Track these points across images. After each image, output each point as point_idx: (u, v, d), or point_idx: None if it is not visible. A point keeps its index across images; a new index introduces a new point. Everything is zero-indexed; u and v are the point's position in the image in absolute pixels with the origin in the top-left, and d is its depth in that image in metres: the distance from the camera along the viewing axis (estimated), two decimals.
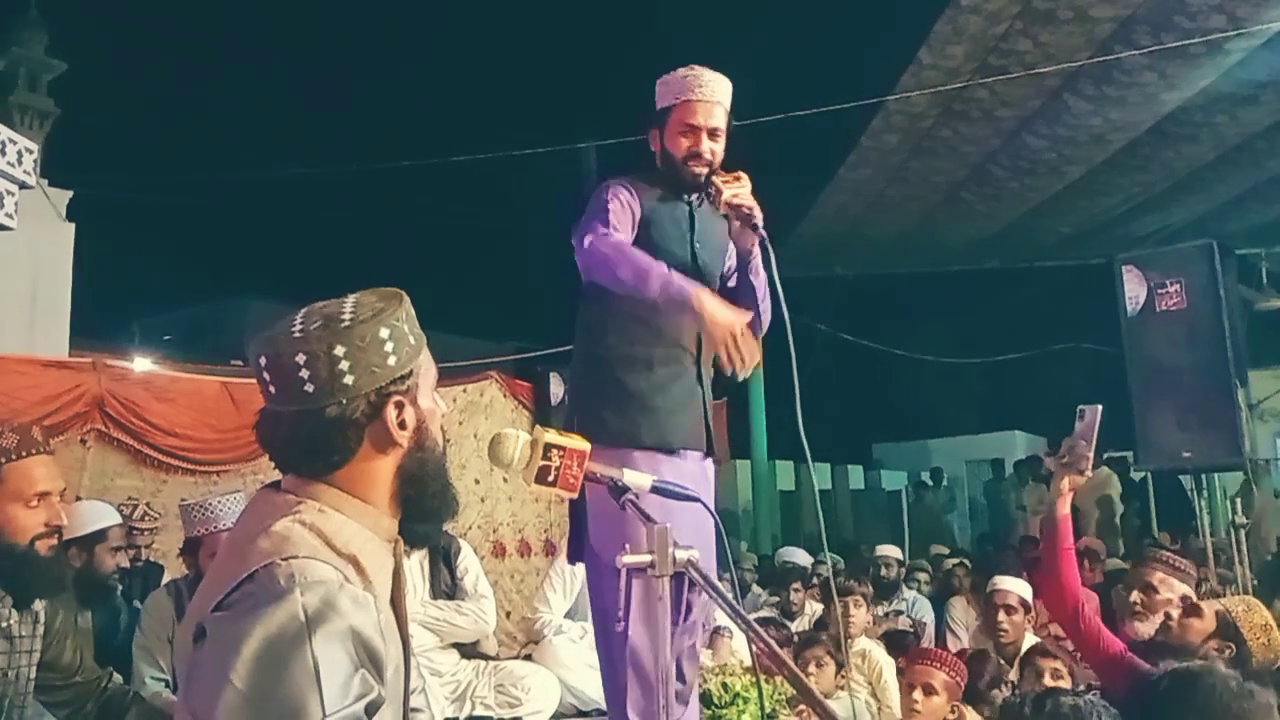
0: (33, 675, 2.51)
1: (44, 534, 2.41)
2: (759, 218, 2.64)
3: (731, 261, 2.88)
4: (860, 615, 4.58)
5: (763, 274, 2.78)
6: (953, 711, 3.31)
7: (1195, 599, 3.36)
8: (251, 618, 1.27)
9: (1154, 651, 2.78)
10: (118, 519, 4.05)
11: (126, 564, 4.08)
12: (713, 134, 2.75)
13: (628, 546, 1.63)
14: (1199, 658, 2.70)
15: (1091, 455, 3.20)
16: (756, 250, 2.76)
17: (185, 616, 1.44)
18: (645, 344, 2.70)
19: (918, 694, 3.30)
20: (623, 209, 2.69)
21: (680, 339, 2.68)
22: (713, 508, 1.93)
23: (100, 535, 3.85)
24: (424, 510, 1.53)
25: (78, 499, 4.84)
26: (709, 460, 2.78)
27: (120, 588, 4.06)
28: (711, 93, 2.76)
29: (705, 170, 2.72)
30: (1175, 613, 2.87)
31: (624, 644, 2.59)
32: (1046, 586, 3.44)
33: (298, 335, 1.43)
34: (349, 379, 1.42)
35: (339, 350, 1.41)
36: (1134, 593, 3.43)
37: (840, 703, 3.97)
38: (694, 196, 2.77)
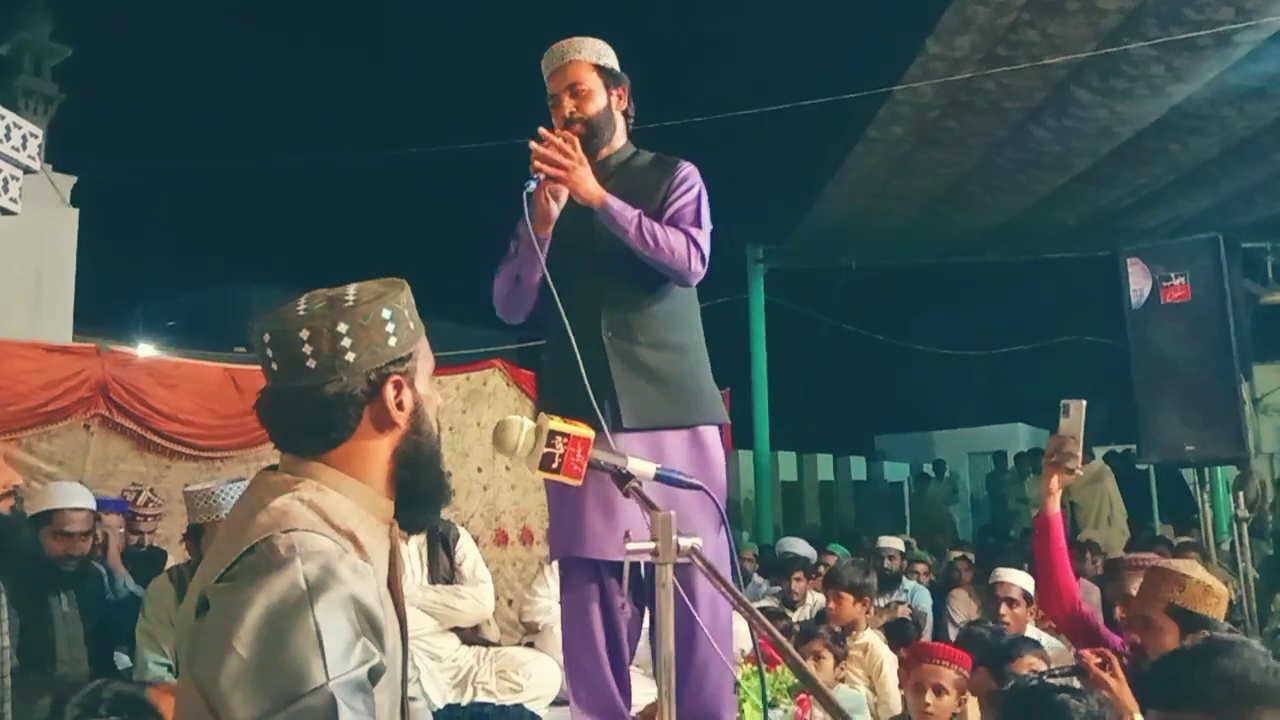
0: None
1: (3, 495, 2.39)
2: (543, 171, 2.56)
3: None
4: (846, 609, 4.56)
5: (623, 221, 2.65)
6: (959, 705, 3.29)
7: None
8: (253, 587, 1.29)
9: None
10: (77, 503, 3.83)
11: (84, 551, 3.81)
12: (573, 91, 2.72)
13: (630, 533, 1.63)
14: None
15: (1080, 452, 3.16)
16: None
17: (187, 593, 1.45)
18: (553, 339, 2.69)
19: (929, 695, 3.25)
20: (512, 249, 2.77)
21: (571, 321, 2.50)
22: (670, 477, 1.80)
23: (45, 518, 3.69)
24: (417, 495, 1.55)
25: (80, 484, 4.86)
26: (642, 434, 2.59)
27: (73, 571, 3.79)
28: (560, 58, 2.74)
29: (584, 131, 2.69)
30: (1139, 636, 2.81)
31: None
32: (1042, 585, 3.43)
33: (302, 313, 1.46)
34: (350, 356, 1.44)
35: (342, 327, 1.44)
36: (1117, 607, 3.44)
37: (839, 694, 3.98)
38: (593, 166, 2.68)
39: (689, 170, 2.79)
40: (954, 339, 13.69)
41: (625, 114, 2.83)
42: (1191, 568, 2.86)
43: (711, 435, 2.74)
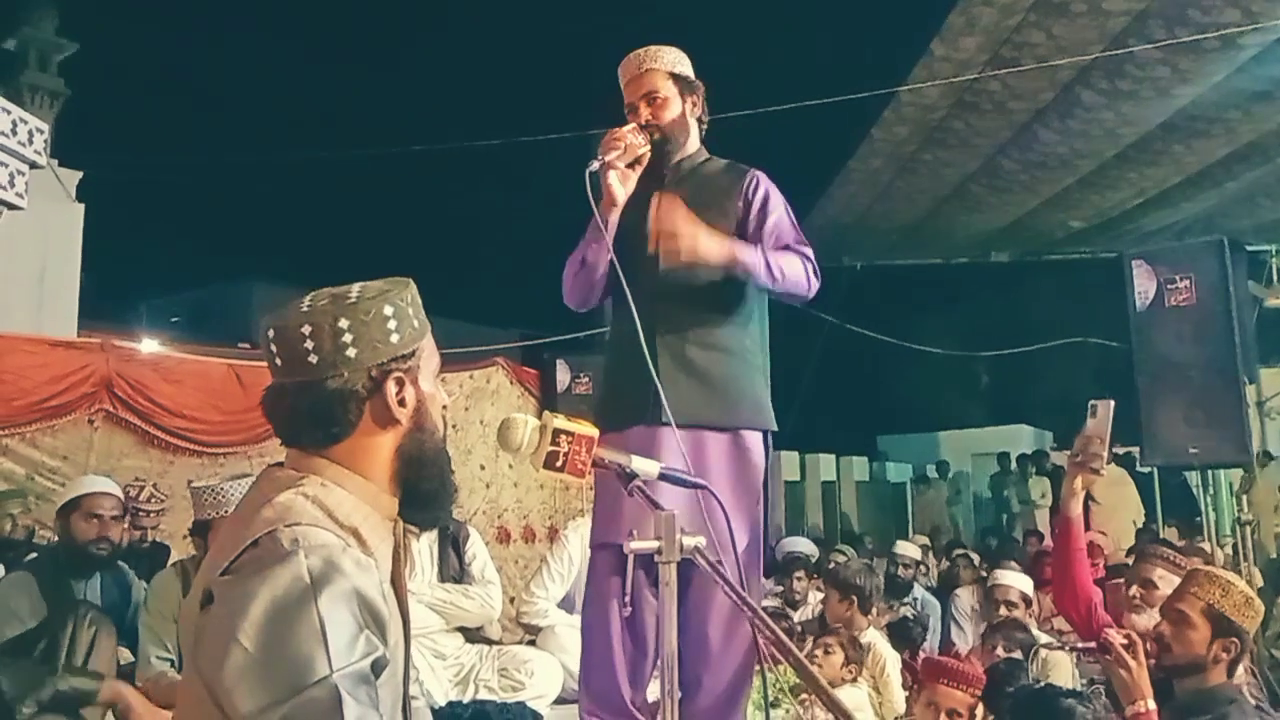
0: None
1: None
2: (605, 156, 2.63)
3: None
4: (832, 606, 4.54)
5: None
6: None
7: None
8: (257, 579, 1.31)
9: (1168, 673, 2.73)
10: (101, 488, 3.95)
11: (115, 536, 3.93)
12: (649, 99, 2.80)
13: (634, 532, 1.64)
14: (1212, 664, 2.67)
15: (1106, 453, 3.14)
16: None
17: (192, 586, 1.46)
18: (614, 329, 2.78)
19: (942, 718, 3.21)
20: (584, 236, 2.79)
21: (632, 312, 2.52)
22: (696, 478, 1.81)
23: (73, 504, 3.84)
24: (420, 493, 1.56)
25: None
26: (685, 431, 2.56)
27: (106, 554, 3.88)
28: (637, 66, 2.83)
29: (659, 136, 2.78)
30: (1167, 629, 2.80)
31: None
32: (1059, 585, 3.41)
33: (305, 309, 1.48)
34: (351, 351, 1.46)
35: (343, 323, 1.46)
36: (1134, 587, 3.43)
37: (844, 692, 3.97)
38: (666, 170, 2.82)
39: (766, 184, 2.86)
40: (958, 340, 13.65)
41: (699, 120, 2.92)
42: (1237, 578, 2.86)
43: (754, 440, 2.75)
